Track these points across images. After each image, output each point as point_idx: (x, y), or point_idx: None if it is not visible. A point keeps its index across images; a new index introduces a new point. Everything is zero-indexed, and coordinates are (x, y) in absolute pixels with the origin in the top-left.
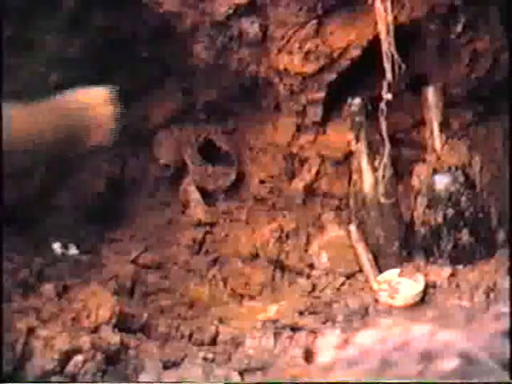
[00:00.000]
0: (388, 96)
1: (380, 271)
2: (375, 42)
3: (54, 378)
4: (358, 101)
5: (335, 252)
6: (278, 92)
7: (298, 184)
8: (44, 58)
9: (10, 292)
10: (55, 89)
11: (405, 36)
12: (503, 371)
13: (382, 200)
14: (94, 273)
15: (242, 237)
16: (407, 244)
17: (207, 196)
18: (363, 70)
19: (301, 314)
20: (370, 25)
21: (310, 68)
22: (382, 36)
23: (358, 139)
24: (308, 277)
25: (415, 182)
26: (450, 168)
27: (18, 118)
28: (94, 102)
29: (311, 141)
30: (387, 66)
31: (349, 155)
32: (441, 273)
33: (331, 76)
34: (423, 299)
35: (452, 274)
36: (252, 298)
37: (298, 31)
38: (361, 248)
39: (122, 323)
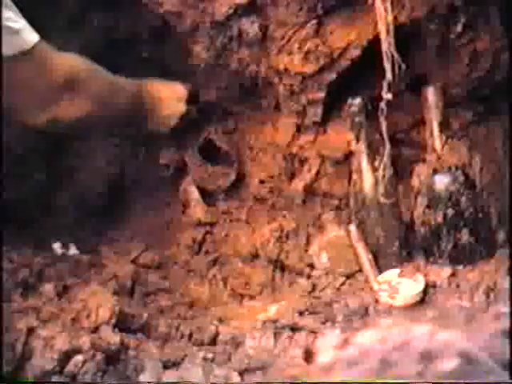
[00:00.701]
0: (388, 96)
1: (380, 271)
2: (375, 42)
3: (54, 378)
4: (358, 101)
5: (335, 252)
6: (278, 92)
7: (298, 184)
8: None
9: (10, 292)
10: None
11: (405, 36)
12: (503, 371)
13: (382, 200)
14: (94, 273)
15: (242, 237)
16: (407, 244)
17: (207, 196)
18: (363, 70)
19: (301, 314)
20: (369, 25)
21: (310, 68)
22: (382, 36)
23: (358, 139)
24: (308, 277)
25: (415, 182)
26: (450, 168)
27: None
28: (169, 96)
29: (311, 141)
30: (387, 66)
31: (349, 155)
32: (441, 273)
33: (331, 76)
34: (423, 299)
35: (452, 274)
36: (252, 297)
37: (298, 31)
38: (361, 248)
39: (122, 323)
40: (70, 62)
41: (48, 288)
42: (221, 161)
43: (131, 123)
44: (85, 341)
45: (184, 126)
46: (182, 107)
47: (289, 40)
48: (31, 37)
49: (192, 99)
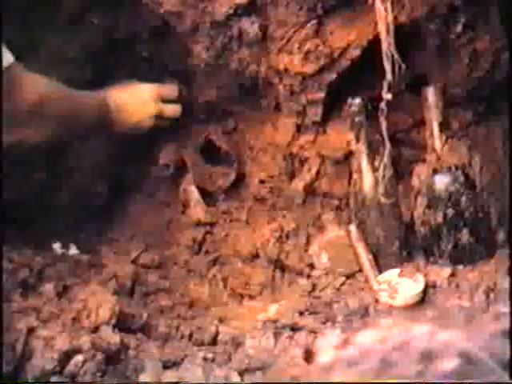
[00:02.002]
0: (388, 96)
1: (380, 271)
2: (375, 42)
3: (53, 378)
4: (358, 101)
5: (335, 252)
6: (278, 92)
7: (298, 184)
8: (44, 58)
9: (10, 292)
10: None
11: (405, 36)
12: (503, 371)
13: (382, 200)
14: (94, 273)
15: (242, 237)
16: (407, 244)
17: (207, 196)
18: (363, 70)
19: (301, 314)
20: (369, 25)
21: (310, 68)
22: (382, 36)
23: (358, 139)
24: (308, 277)
25: (415, 182)
26: (450, 168)
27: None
28: (134, 101)
29: (311, 141)
30: (387, 66)
31: (349, 155)
32: (441, 273)
33: (331, 76)
34: (423, 299)
35: (452, 274)
36: (252, 297)
37: (297, 31)
38: (361, 248)
39: (122, 323)
40: (38, 86)
41: (48, 288)
42: (221, 161)
43: (98, 133)
44: (85, 341)
45: (167, 125)
46: (151, 108)
47: (289, 40)
48: (5, 59)
49: (169, 98)
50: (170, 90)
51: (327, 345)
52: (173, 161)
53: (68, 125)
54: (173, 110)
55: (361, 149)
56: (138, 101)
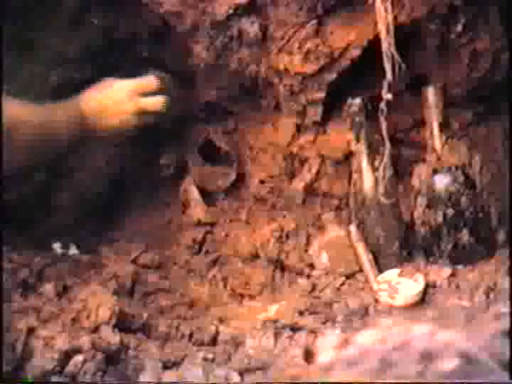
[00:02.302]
0: (388, 96)
1: (380, 271)
2: (375, 41)
3: (54, 378)
4: (358, 101)
5: (335, 252)
6: (278, 92)
7: (298, 184)
8: (44, 58)
9: (10, 292)
10: (56, 89)
11: (405, 36)
12: (503, 371)
13: (382, 200)
14: (94, 273)
15: (242, 237)
16: (407, 244)
17: (207, 196)
18: (363, 70)
19: (301, 313)
20: (369, 25)
21: (310, 68)
22: (382, 36)
23: (358, 139)
24: (308, 277)
25: (415, 182)
26: (450, 168)
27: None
28: (111, 101)
29: (311, 141)
30: (387, 66)
31: (349, 155)
32: (441, 273)
33: (331, 76)
34: (423, 299)
35: (452, 274)
36: (252, 297)
37: (298, 31)
38: (361, 248)
39: (122, 323)
40: (6, 113)
41: (48, 288)
42: (221, 161)
43: (78, 143)
44: (85, 341)
45: (153, 119)
46: (129, 106)
47: (289, 40)
48: None
49: (148, 91)
50: (148, 82)
51: (327, 345)
52: (173, 161)
53: (41, 147)
54: (155, 102)
55: (361, 149)
56: (114, 101)
